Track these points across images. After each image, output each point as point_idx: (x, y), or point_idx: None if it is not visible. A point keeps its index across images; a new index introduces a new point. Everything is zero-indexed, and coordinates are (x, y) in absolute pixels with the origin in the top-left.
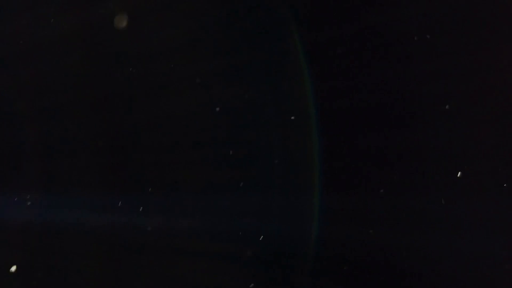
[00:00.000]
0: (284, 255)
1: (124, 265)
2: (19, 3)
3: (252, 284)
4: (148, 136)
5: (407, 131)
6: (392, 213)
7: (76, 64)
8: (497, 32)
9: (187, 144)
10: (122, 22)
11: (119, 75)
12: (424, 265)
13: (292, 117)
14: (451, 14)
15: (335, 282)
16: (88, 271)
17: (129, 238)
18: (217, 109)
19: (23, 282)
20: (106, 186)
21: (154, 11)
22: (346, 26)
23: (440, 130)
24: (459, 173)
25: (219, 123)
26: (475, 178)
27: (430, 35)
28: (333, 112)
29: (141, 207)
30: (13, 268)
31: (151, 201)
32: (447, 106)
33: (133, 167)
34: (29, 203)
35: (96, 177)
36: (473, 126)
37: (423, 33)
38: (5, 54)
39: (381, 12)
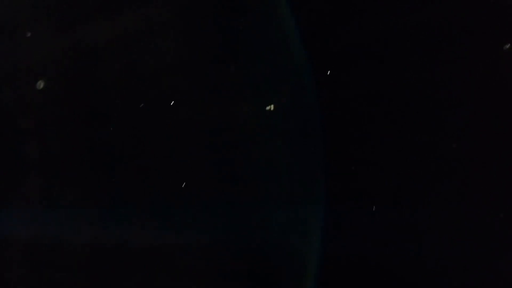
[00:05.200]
0: (285, 271)
1: (119, 280)
2: (16, 23)
3: None
4: (146, 151)
5: (414, 143)
6: (400, 226)
7: (72, 83)
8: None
9: (183, 158)
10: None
11: (115, 90)
12: (432, 278)
13: (294, 126)
14: (455, 15)
15: None
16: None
17: (126, 254)
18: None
19: None
20: (101, 201)
21: (155, 28)
22: (350, 34)
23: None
24: (469, 183)
25: (218, 136)
26: (486, 187)
27: (437, 37)
28: (338, 121)
29: (141, 221)
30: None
31: (151, 215)
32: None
33: (132, 181)
34: (26, 218)
35: (91, 192)
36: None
37: (428, 35)
38: (4, 72)
39: (385, 20)
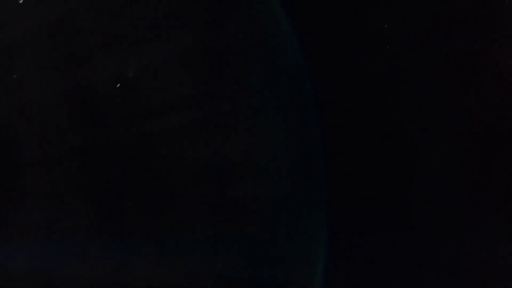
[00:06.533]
0: None
1: None
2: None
3: None
4: (148, 184)
5: (420, 176)
6: (405, 256)
7: (76, 115)
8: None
9: (185, 189)
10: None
11: (116, 125)
12: None
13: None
14: (455, 15)
15: None
16: None
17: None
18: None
19: None
20: (104, 232)
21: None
22: (349, 35)
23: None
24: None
25: (219, 163)
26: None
27: (437, 37)
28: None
29: (144, 253)
30: None
31: (151, 246)
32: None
33: (134, 215)
34: (28, 250)
35: (94, 223)
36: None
37: (428, 36)
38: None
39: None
